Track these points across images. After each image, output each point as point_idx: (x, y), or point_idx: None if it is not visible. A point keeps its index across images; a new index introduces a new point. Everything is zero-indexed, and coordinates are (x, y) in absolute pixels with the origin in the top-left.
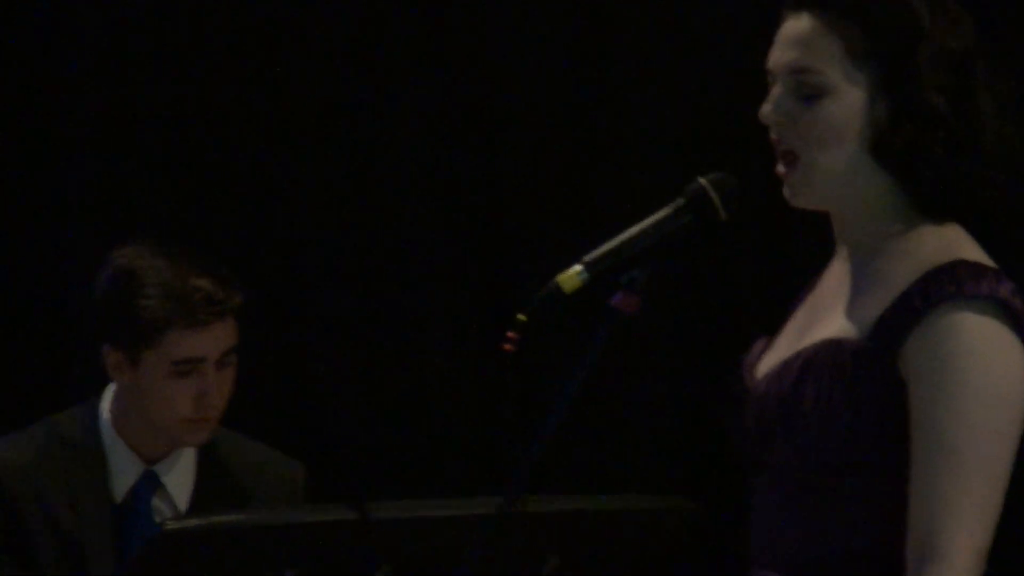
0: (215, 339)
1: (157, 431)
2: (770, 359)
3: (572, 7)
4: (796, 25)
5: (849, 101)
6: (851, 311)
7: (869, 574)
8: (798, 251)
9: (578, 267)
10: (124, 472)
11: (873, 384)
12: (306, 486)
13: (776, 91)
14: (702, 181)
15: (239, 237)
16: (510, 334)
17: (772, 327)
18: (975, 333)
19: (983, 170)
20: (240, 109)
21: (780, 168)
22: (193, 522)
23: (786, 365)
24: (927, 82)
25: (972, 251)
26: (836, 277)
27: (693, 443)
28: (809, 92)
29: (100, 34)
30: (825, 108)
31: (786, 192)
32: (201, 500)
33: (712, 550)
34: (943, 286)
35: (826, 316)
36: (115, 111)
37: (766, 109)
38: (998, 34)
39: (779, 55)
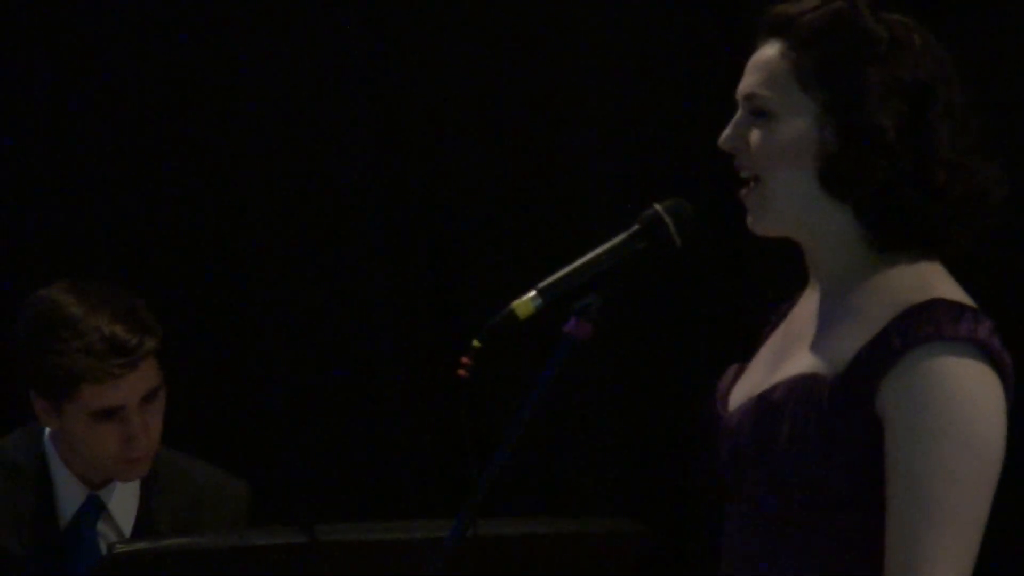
0: (131, 388)
1: (92, 467)
2: (743, 389)
3: (525, 34)
4: (762, 52)
5: (797, 124)
6: (826, 346)
7: None
8: (755, 280)
9: (532, 293)
10: (69, 497)
11: (849, 421)
12: (250, 506)
13: (736, 117)
14: (657, 207)
15: (187, 259)
16: (464, 360)
17: (728, 353)
18: (954, 377)
19: (933, 203)
20: (192, 121)
21: (741, 193)
22: (143, 545)
23: (761, 399)
24: (875, 109)
25: (950, 289)
26: (810, 309)
27: (647, 468)
28: (758, 115)
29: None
30: (774, 131)
31: (748, 219)
32: (145, 523)
33: (663, 574)
34: (922, 326)
35: (800, 349)
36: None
37: (723, 134)
38: (976, 74)
39: (742, 82)
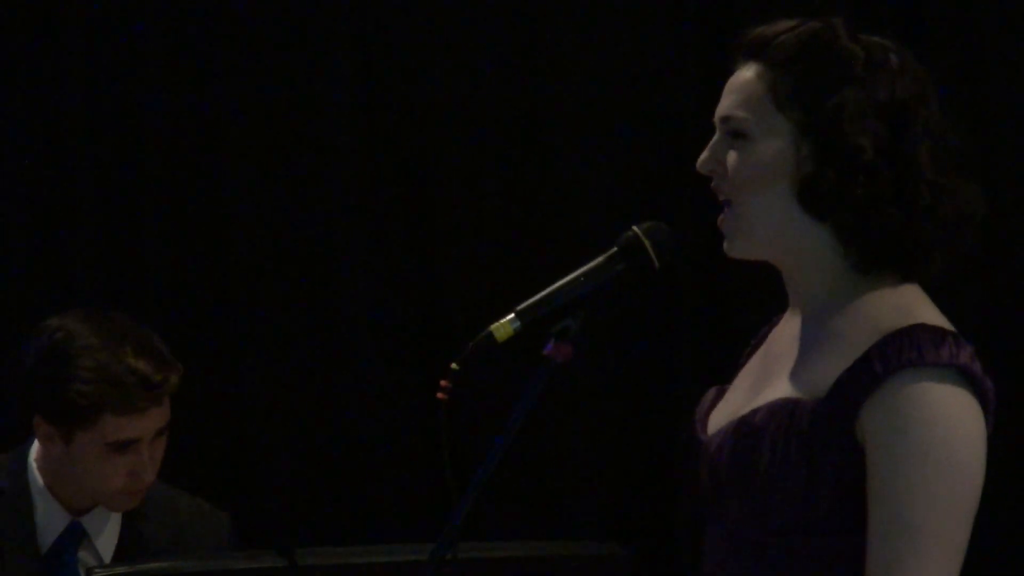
0: (150, 421)
1: (86, 495)
2: (723, 412)
3: (509, 45)
4: (739, 74)
5: (773, 144)
6: (807, 370)
7: None
8: (738, 303)
9: (511, 316)
10: (50, 523)
11: (830, 446)
12: (232, 536)
13: (713, 139)
14: (636, 230)
15: (167, 282)
16: (443, 382)
17: (708, 375)
18: (936, 403)
19: (915, 223)
20: (173, 127)
21: (719, 220)
22: (120, 570)
23: (741, 422)
24: (851, 128)
25: (930, 314)
26: (790, 332)
27: (630, 491)
28: (737, 137)
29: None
30: (749, 152)
31: (724, 244)
32: (127, 551)
33: None
34: (903, 352)
35: (781, 373)
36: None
37: (701, 157)
38: (952, 89)
39: (720, 104)
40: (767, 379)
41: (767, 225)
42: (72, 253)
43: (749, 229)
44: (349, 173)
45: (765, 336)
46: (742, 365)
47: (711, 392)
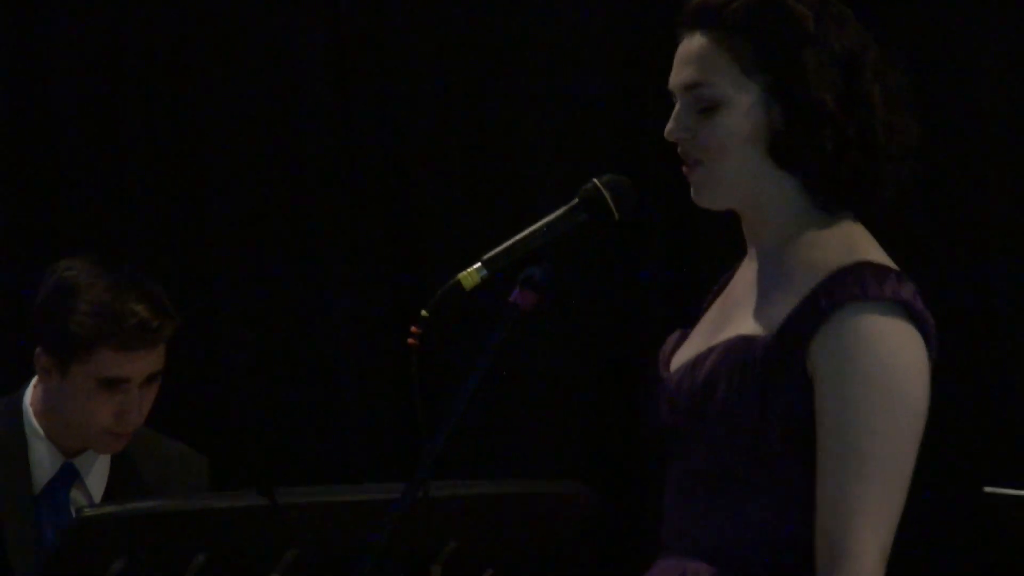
0: (142, 363)
1: (76, 433)
2: (685, 352)
3: (475, 15)
4: (690, 44)
5: (744, 110)
6: (761, 309)
7: (780, 561)
8: (698, 249)
9: (477, 265)
10: (44, 464)
11: (781, 380)
12: (211, 478)
13: (677, 108)
14: (596, 181)
15: (147, 233)
16: (414, 329)
17: (682, 321)
18: (879, 335)
19: (877, 162)
20: (160, 111)
21: (685, 168)
22: (109, 509)
23: (698, 359)
24: (815, 84)
25: (875, 252)
26: (747, 276)
27: (595, 431)
28: (705, 105)
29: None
30: (722, 118)
31: (692, 194)
32: (115, 491)
33: (609, 534)
34: (848, 287)
35: (737, 314)
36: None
37: (669, 127)
38: (885, 27)
39: (676, 74)
40: (725, 320)
41: (741, 180)
42: (61, 207)
43: (722, 184)
44: (326, 122)
45: (726, 283)
46: (705, 310)
47: (675, 335)
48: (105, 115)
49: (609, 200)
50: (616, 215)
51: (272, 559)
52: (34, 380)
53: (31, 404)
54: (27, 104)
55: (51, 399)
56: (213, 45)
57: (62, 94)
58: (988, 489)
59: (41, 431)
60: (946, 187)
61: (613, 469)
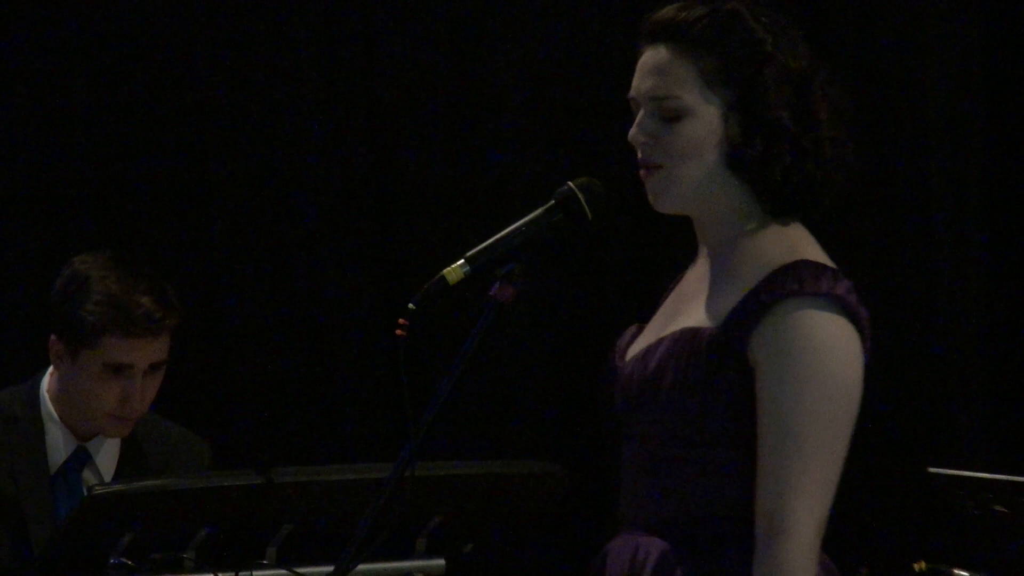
0: (146, 351)
1: (85, 416)
2: (639, 344)
3: (457, 19)
4: (654, 55)
5: (706, 120)
6: (708, 304)
7: (723, 535)
8: (661, 250)
9: (461, 261)
10: (59, 447)
11: (724, 368)
12: (212, 460)
13: (640, 116)
14: (571, 184)
15: (150, 231)
16: (401, 321)
17: (640, 316)
18: (815, 327)
19: (824, 172)
20: (159, 114)
21: (642, 172)
22: (118, 487)
23: (650, 349)
24: (774, 101)
25: (814, 252)
26: (697, 274)
27: (564, 416)
28: (669, 115)
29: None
30: (685, 127)
31: (649, 198)
32: (124, 473)
33: (580, 509)
34: (787, 283)
35: (687, 308)
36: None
37: (632, 132)
38: (829, 46)
39: (639, 83)
40: (676, 314)
41: (693, 187)
42: (68, 211)
43: (679, 190)
44: (318, 115)
45: (679, 280)
46: (659, 305)
47: (632, 329)
48: (105, 115)
49: (583, 201)
50: (589, 216)
51: (269, 534)
52: (51, 368)
53: (47, 390)
54: (37, 109)
55: (64, 384)
56: (213, 45)
57: (63, 99)
58: (932, 469)
59: (56, 416)
60: (882, 193)
61: (584, 451)
